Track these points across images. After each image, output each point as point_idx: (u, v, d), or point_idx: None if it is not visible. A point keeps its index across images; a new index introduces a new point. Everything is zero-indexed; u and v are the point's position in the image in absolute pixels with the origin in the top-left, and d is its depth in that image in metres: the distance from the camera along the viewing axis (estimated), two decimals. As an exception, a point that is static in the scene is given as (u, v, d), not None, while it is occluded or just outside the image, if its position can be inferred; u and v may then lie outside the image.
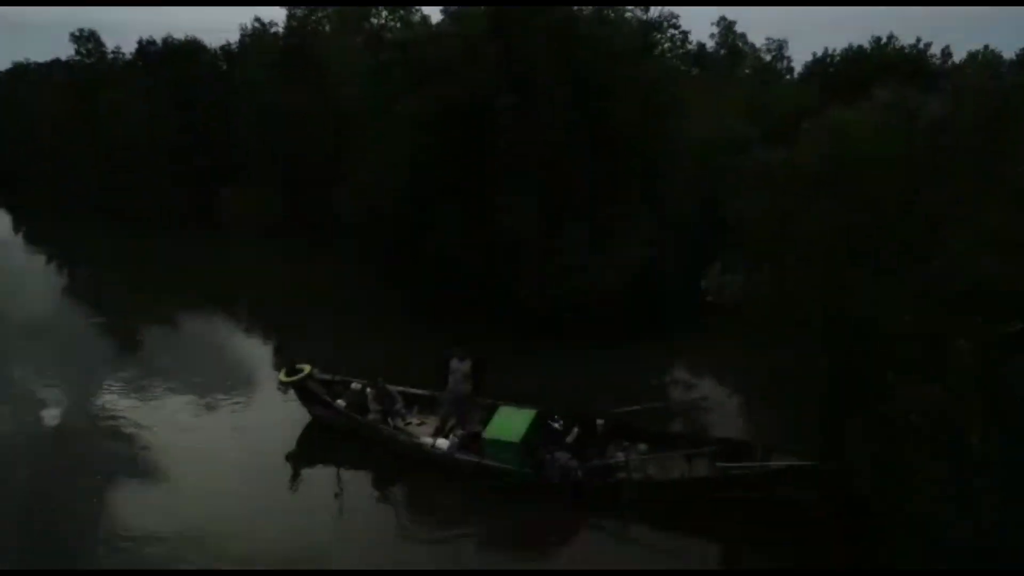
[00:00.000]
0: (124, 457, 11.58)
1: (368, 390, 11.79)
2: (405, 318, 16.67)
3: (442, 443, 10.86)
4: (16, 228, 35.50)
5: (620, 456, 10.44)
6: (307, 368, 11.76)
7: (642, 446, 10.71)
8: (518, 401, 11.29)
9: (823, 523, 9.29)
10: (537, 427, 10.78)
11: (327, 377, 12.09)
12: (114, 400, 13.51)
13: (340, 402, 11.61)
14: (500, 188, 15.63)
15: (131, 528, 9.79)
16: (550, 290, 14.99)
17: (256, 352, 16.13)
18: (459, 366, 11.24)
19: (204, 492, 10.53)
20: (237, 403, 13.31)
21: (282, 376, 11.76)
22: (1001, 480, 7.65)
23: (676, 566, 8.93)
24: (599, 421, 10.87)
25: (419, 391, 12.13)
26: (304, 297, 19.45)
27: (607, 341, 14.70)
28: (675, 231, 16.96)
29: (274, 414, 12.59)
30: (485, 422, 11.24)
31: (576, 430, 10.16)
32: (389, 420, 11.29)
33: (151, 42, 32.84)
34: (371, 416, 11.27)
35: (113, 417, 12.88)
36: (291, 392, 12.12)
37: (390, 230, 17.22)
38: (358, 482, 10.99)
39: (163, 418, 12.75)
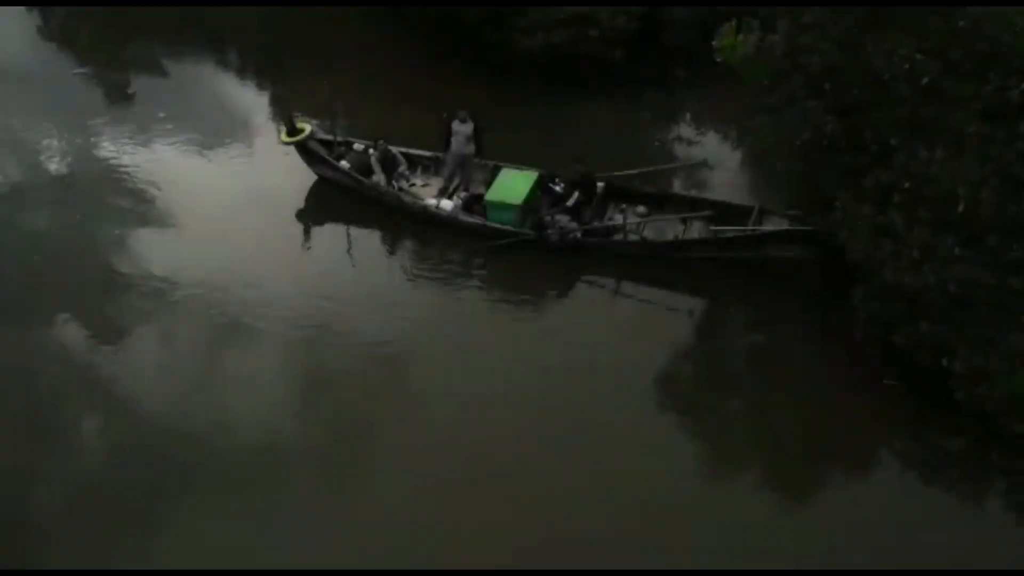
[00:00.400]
0: (129, 208, 12.02)
1: (371, 151, 11.82)
2: (406, 72, 15.93)
3: (446, 204, 11.17)
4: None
5: (618, 218, 10.85)
6: (307, 128, 11.63)
7: (640, 208, 11.05)
8: (520, 161, 11.44)
9: (810, 284, 9.99)
10: (538, 189, 11.07)
11: (329, 137, 11.98)
12: (114, 152, 13.39)
13: (344, 163, 11.68)
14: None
15: (141, 271, 10.59)
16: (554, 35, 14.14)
17: (255, 103, 15.64)
18: (461, 128, 11.16)
19: (216, 241, 11.16)
20: (240, 157, 13.21)
21: (283, 136, 11.68)
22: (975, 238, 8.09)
23: (664, 322, 9.79)
24: (599, 184, 11.09)
25: (422, 152, 12.14)
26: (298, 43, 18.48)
27: (611, 93, 14.33)
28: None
29: (279, 170, 12.63)
30: (488, 183, 11.51)
31: (576, 194, 10.39)
32: (393, 183, 11.45)
33: None
34: (375, 178, 11.41)
35: (114, 169, 12.94)
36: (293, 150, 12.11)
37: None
38: (366, 239, 11.53)
39: (167, 171, 12.75)
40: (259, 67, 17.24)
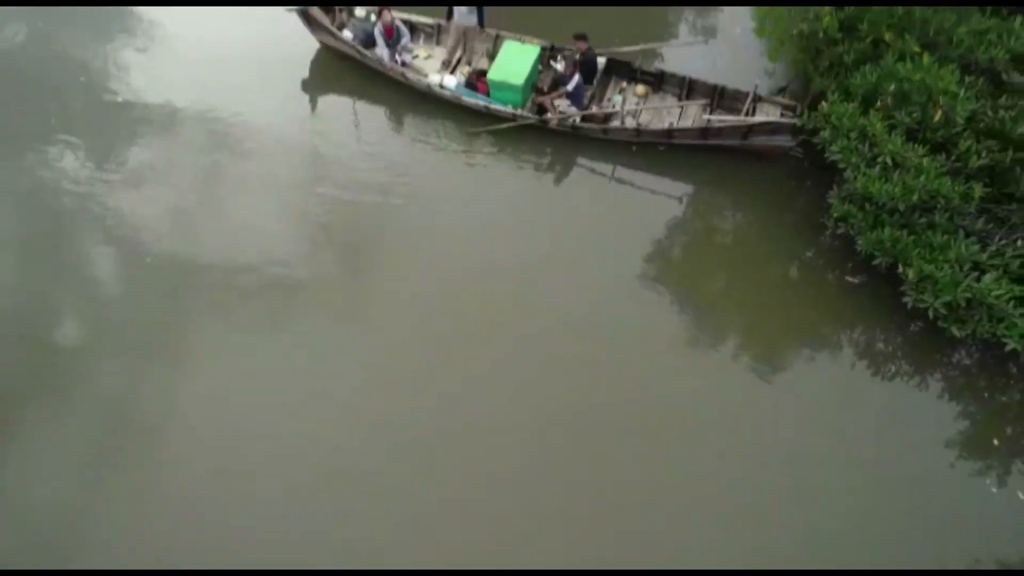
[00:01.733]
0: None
1: (372, 18, 11.76)
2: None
3: (449, 81, 11.36)
4: None
5: (617, 99, 11.10)
6: (310, -7, 11.49)
7: (639, 88, 11.22)
8: (521, 30, 11.49)
9: (796, 176, 10.47)
10: (539, 64, 11.22)
11: (330, 4, 11.84)
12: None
13: (347, 32, 11.69)
14: None
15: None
16: None
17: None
18: (463, -1, 11.06)
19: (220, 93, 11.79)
20: (239, 17, 13.17)
21: (285, 8, 11.56)
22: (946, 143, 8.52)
23: (654, 204, 10.48)
24: (600, 60, 11.17)
25: (425, 20, 12.05)
26: None
27: None
28: None
29: (279, 33, 12.60)
30: (490, 54, 11.64)
31: (577, 77, 10.53)
32: (397, 57, 11.54)
33: None
34: (378, 50, 11.49)
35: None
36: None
37: None
38: (372, 113, 11.88)
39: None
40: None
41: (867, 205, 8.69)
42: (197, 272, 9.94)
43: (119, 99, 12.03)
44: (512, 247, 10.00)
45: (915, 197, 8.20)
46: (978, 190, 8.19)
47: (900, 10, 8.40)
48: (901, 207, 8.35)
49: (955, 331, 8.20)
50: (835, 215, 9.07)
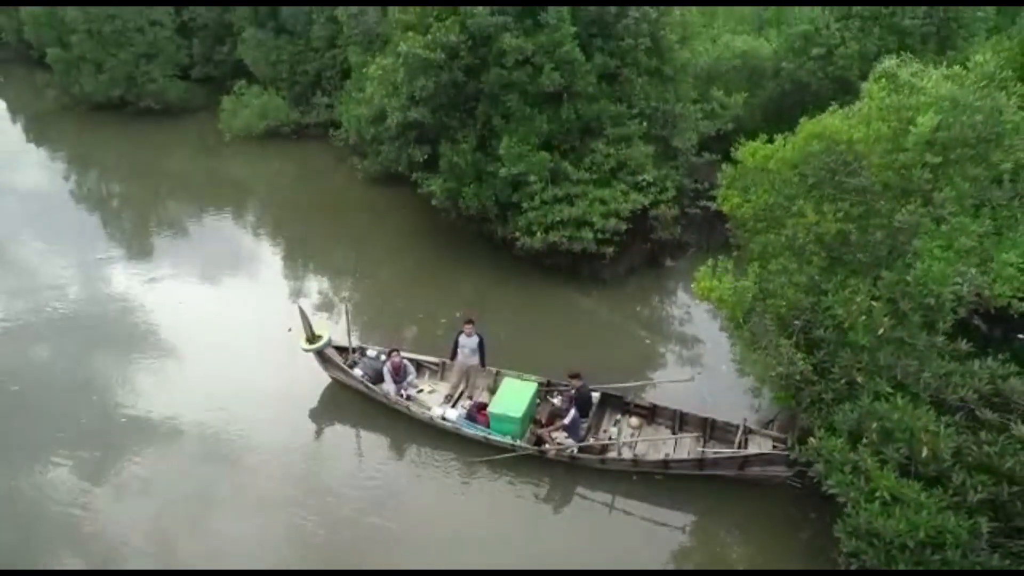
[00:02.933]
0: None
1: (382, 357, 12.77)
2: (426, 266, 17.30)
3: (451, 413, 11.92)
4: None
5: (613, 431, 11.55)
6: (325, 335, 12.63)
7: (633, 420, 11.75)
8: (519, 362, 12.49)
9: (793, 503, 10.47)
10: (536, 398, 11.88)
11: (344, 344, 12.96)
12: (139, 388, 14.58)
13: (357, 371, 12.58)
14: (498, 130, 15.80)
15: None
16: (551, 234, 15.45)
17: (277, 294, 16.88)
18: (467, 341, 12.17)
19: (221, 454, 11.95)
20: (260, 359, 14.23)
21: (303, 344, 12.64)
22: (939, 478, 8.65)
23: (657, 536, 10.22)
24: (595, 394, 11.86)
25: (430, 359, 13.10)
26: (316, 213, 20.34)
27: (604, 281, 16.13)
28: (677, 171, 17.32)
29: (293, 372, 13.53)
30: (491, 389, 12.37)
31: (573, 412, 11.11)
32: (403, 392, 12.28)
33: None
34: (385, 386, 12.25)
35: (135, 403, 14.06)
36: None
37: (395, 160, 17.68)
38: (376, 441, 12.21)
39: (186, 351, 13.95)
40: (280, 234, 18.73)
41: (875, 541, 8.50)
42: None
43: (128, 415, 12.62)
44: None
45: (922, 534, 8.08)
46: (984, 525, 8.11)
47: (866, 356, 9.25)
48: (910, 543, 8.17)
49: None
50: (845, 550, 8.81)
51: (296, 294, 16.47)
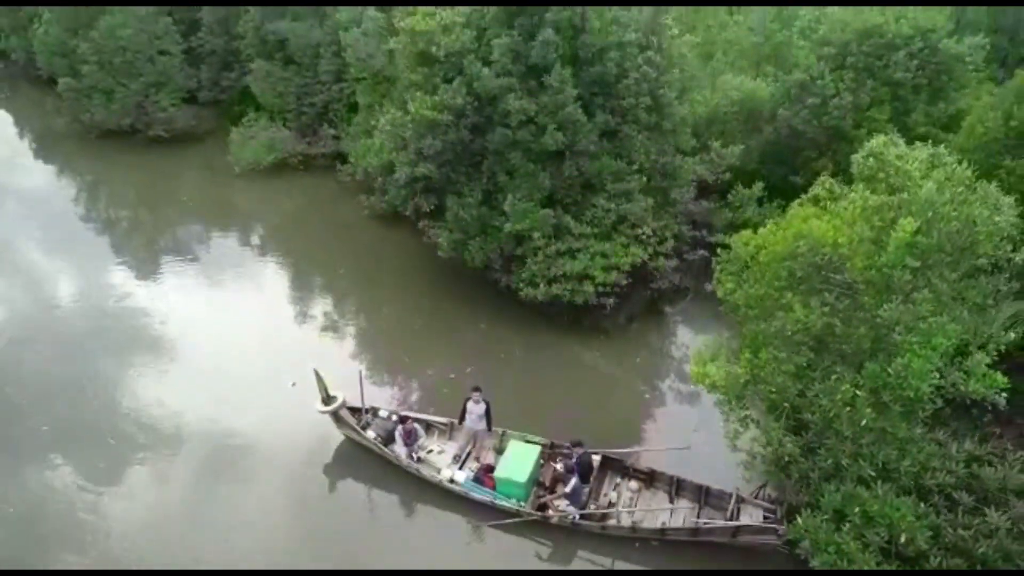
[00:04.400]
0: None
1: (393, 417, 13.42)
2: (436, 318, 17.93)
3: (460, 476, 12.58)
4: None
5: (613, 495, 12.20)
6: (340, 397, 13.26)
7: (633, 484, 12.41)
8: (523, 422, 13.29)
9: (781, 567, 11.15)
10: (540, 460, 12.54)
11: (357, 406, 13.61)
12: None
13: (370, 433, 13.23)
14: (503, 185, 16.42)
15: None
16: (554, 287, 16.08)
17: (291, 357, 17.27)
18: (475, 408, 12.83)
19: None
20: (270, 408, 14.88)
21: (318, 406, 13.26)
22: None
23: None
24: (595, 458, 12.51)
25: (439, 419, 13.75)
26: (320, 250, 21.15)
27: (606, 331, 16.82)
28: (675, 219, 17.98)
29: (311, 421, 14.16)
30: (498, 449, 13.04)
31: (574, 480, 11.76)
32: (413, 454, 12.94)
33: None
34: (397, 449, 12.91)
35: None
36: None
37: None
38: (385, 500, 12.89)
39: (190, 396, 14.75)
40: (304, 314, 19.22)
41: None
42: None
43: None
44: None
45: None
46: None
47: (849, 443, 9.89)
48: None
49: None
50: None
51: (303, 346, 16.98)
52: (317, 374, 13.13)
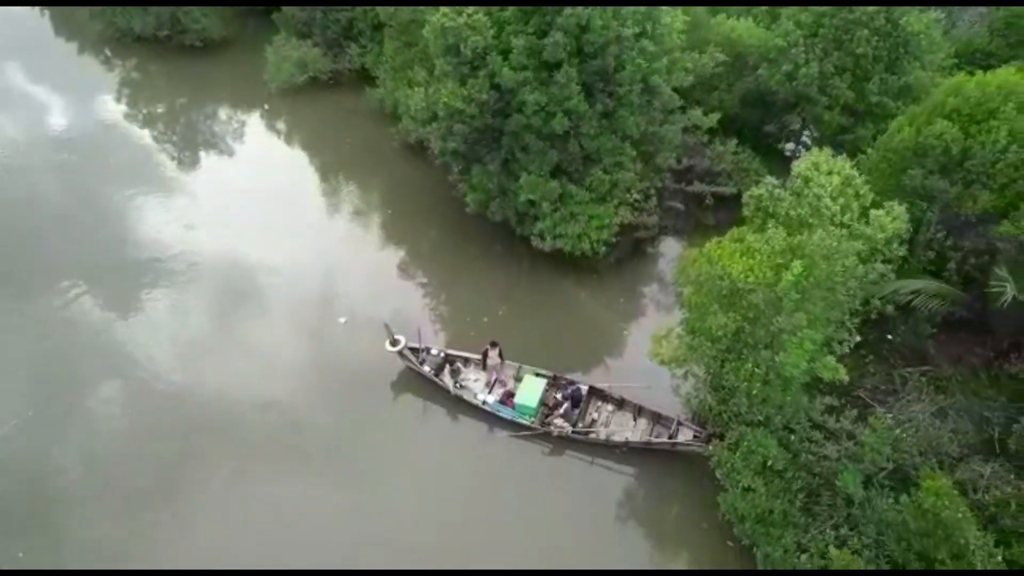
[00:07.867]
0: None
1: (442, 354, 18.75)
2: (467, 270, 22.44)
3: (489, 399, 18.14)
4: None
5: (595, 415, 17.85)
6: (401, 340, 18.43)
7: (609, 407, 18.00)
8: (530, 354, 18.64)
9: (700, 468, 16.99)
10: (546, 389, 18.01)
11: (416, 345, 18.82)
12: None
13: (425, 367, 18.58)
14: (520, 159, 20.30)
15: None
16: (558, 241, 20.62)
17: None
18: (493, 353, 18.10)
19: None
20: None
21: (387, 346, 18.46)
22: None
23: (618, 480, 16.93)
24: (583, 389, 17.99)
25: (474, 355, 18.96)
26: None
27: (599, 272, 21.52)
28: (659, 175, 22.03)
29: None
30: (516, 378, 18.50)
31: (567, 404, 17.32)
32: (457, 384, 18.39)
33: None
34: (445, 376, 18.36)
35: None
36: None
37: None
38: (432, 413, 18.54)
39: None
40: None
41: (736, 510, 15.11)
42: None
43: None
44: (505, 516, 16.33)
45: (758, 510, 14.63)
46: (798, 503, 14.63)
47: (746, 400, 15.17)
48: (752, 515, 14.77)
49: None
50: (723, 509, 15.45)
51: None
52: (387, 326, 18.19)
